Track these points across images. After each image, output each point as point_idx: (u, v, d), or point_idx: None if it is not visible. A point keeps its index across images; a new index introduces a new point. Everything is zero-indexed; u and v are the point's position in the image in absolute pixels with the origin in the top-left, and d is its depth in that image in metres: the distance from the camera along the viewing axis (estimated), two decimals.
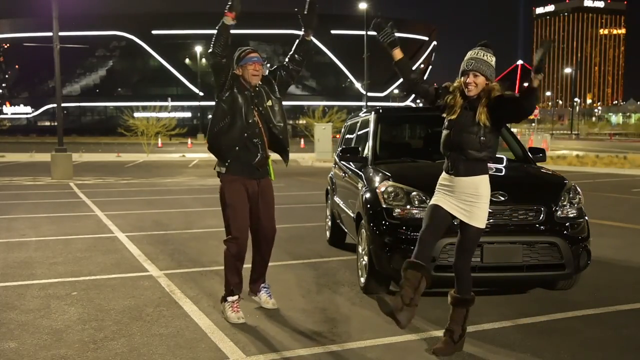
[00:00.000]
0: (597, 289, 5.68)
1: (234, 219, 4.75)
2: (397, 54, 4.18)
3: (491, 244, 4.87)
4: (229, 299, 4.78)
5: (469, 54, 3.99)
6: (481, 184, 3.99)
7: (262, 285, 5.15)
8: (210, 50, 4.68)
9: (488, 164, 4.05)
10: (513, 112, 3.95)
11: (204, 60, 70.12)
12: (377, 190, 5.33)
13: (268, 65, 5.15)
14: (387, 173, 5.53)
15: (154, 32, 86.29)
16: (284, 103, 5.03)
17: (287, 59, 5.03)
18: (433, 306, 5.09)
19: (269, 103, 4.87)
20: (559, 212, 5.10)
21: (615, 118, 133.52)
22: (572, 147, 38.85)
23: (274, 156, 5.05)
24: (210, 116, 4.91)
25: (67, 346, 4.17)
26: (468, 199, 3.98)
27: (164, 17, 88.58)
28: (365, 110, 7.52)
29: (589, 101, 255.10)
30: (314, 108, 42.90)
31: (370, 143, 6.44)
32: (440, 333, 4.41)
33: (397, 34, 4.05)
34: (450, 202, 4.02)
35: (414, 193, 5.12)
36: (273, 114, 4.86)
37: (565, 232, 5.03)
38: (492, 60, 3.98)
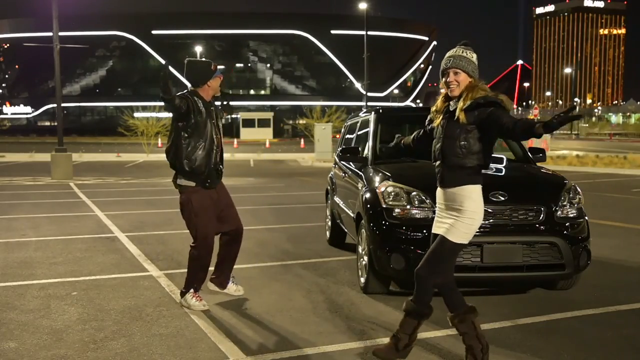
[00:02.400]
0: (597, 289, 5.68)
1: (204, 225, 5.01)
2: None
3: (491, 244, 4.87)
4: (190, 292, 5.03)
5: (448, 53, 3.74)
6: (466, 196, 3.66)
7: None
8: (172, 101, 4.74)
9: (479, 173, 3.70)
10: (501, 134, 3.66)
11: (204, 60, 70.00)
12: (377, 190, 5.33)
13: None
14: (387, 173, 5.53)
15: (154, 32, 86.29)
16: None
17: None
18: (433, 306, 5.08)
19: (221, 115, 5.22)
20: (559, 212, 5.10)
21: (615, 118, 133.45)
22: (572, 147, 38.84)
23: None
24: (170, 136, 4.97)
25: (67, 346, 4.17)
26: (452, 213, 3.69)
27: (164, 17, 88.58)
28: (365, 110, 7.51)
29: (589, 101, 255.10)
30: (312, 108, 42.89)
31: (370, 143, 6.44)
32: (440, 333, 4.42)
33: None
34: (439, 221, 3.78)
35: (414, 193, 5.12)
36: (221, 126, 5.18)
37: (565, 232, 5.03)
38: (473, 57, 3.72)
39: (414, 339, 3.88)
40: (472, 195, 3.67)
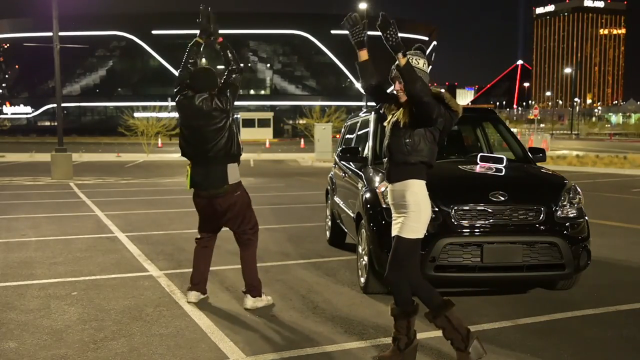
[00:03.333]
0: (597, 289, 5.69)
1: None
2: (363, 55, 3.95)
3: (491, 244, 4.87)
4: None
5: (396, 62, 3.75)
6: (409, 190, 3.78)
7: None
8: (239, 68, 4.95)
9: (423, 171, 3.82)
10: (415, 109, 3.74)
11: (204, 60, 70.12)
12: (377, 190, 5.33)
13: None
14: None
15: (154, 32, 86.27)
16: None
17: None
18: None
19: None
20: (559, 212, 5.10)
21: (615, 118, 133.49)
22: (572, 147, 38.84)
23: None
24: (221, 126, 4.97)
25: (67, 346, 4.17)
26: (400, 209, 3.80)
27: (164, 17, 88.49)
28: (365, 110, 7.52)
29: (589, 101, 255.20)
30: (312, 108, 42.89)
31: (370, 143, 6.44)
32: (440, 333, 4.41)
33: (398, 34, 3.91)
34: (393, 223, 3.87)
35: None
36: None
37: (565, 232, 5.03)
38: (421, 63, 3.79)
39: (413, 335, 3.90)
40: (413, 189, 3.80)
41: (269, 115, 71.10)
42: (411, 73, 3.61)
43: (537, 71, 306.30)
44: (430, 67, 4.09)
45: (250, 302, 5.03)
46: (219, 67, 5.09)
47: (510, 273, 4.97)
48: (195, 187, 5.02)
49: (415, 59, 3.78)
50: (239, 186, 5.04)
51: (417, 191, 3.80)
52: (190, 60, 5.09)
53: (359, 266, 5.77)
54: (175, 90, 5.05)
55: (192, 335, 4.40)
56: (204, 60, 53.80)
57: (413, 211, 3.77)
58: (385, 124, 4.04)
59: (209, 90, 4.90)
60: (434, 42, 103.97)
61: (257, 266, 5.18)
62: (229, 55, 5.05)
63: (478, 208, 4.97)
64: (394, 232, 3.84)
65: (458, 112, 3.85)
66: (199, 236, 5.28)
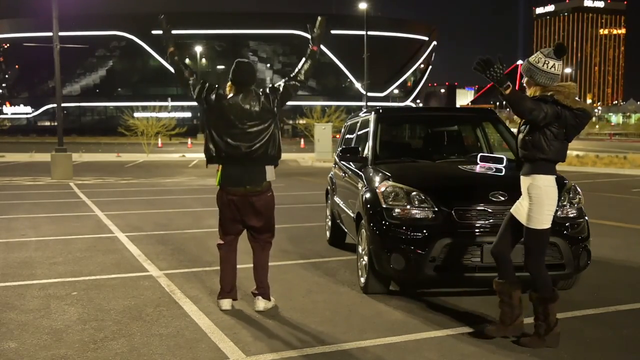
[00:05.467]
0: (597, 289, 5.68)
1: None
2: (505, 90, 4.00)
3: (491, 244, 4.86)
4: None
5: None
6: (531, 184, 4.18)
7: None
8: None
9: (545, 166, 4.19)
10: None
11: (204, 60, 70.17)
12: (377, 190, 5.33)
13: None
14: (387, 173, 5.53)
15: (154, 32, 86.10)
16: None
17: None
18: (433, 306, 5.10)
19: None
20: (559, 212, 5.10)
21: (615, 118, 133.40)
22: (572, 147, 38.59)
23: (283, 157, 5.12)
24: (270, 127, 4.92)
25: (67, 346, 4.17)
26: (525, 199, 4.23)
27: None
28: (365, 110, 7.51)
29: (589, 101, 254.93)
30: (312, 108, 42.88)
31: (370, 143, 6.44)
32: (440, 333, 4.42)
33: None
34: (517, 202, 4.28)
35: (414, 193, 5.12)
36: None
37: (565, 232, 5.03)
38: (550, 64, 4.13)
39: (554, 323, 4.16)
40: (536, 183, 4.15)
41: None
42: (513, 101, 3.97)
43: None
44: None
45: (262, 304, 5.00)
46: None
47: None
48: (230, 184, 4.88)
49: (545, 62, 4.08)
50: (270, 187, 5.02)
51: (539, 185, 4.12)
52: (185, 69, 4.99)
53: (359, 266, 5.77)
54: (196, 92, 4.89)
55: (192, 335, 4.40)
56: (204, 60, 53.68)
57: (534, 204, 4.10)
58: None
59: (251, 85, 4.85)
60: (434, 42, 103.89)
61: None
62: (306, 66, 5.01)
63: (478, 208, 4.97)
64: (515, 214, 4.22)
65: (581, 108, 4.11)
66: (221, 241, 5.10)
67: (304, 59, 5.06)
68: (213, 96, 4.84)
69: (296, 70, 5.01)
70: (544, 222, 4.12)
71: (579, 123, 4.13)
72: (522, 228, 4.18)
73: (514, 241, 4.31)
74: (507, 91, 3.94)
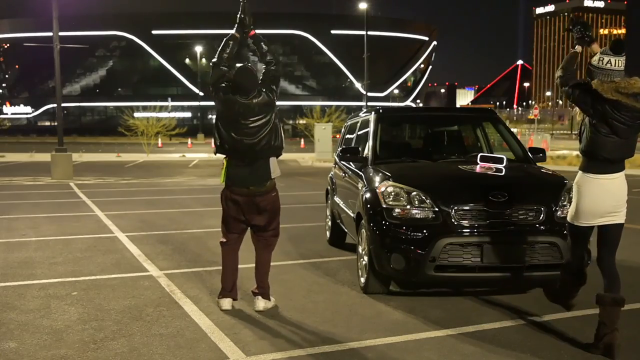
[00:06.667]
0: (597, 289, 5.67)
1: None
2: (595, 47, 4.11)
3: (491, 244, 4.87)
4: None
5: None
6: (576, 179, 4.19)
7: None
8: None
9: (588, 163, 4.07)
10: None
11: (204, 60, 70.12)
12: (377, 190, 5.33)
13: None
14: (387, 173, 5.52)
15: (154, 32, 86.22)
16: (284, 103, 5.09)
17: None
18: (433, 306, 5.10)
19: None
20: (559, 212, 5.10)
21: None
22: (572, 147, 38.78)
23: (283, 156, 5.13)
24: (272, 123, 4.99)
25: (67, 346, 4.17)
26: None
27: (164, 17, 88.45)
28: (365, 110, 7.51)
29: None
30: (312, 108, 42.89)
31: (370, 143, 6.44)
32: (440, 333, 4.42)
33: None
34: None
35: (414, 193, 5.12)
36: None
37: (565, 232, 5.02)
38: (605, 60, 4.00)
39: (609, 330, 4.16)
40: (577, 180, 4.16)
41: None
42: (565, 60, 4.16)
43: (537, 71, 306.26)
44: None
45: (262, 304, 5.00)
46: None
47: (510, 273, 4.97)
48: (234, 184, 4.89)
49: (601, 59, 3.96)
50: (275, 186, 5.03)
51: (578, 182, 4.11)
52: (224, 55, 5.08)
53: (359, 266, 5.77)
54: (212, 82, 4.96)
55: (192, 335, 4.40)
56: (203, 60, 53.65)
57: (573, 198, 4.18)
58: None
59: (254, 91, 4.86)
60: (434, 42, 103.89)
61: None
62: (263, 47, 5.09)
63: (478, 208, 4.97)
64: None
65: (617, 100, 3.82)
66: (223, 239, 5.10)
67: (256, 47, 5.22)
68: (227, 93, 4.89)
69: (261, 58, 5.15)
70: (575, 218, 4.16)
71: (624, 117, 3.85)
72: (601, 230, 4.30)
73: (604, 244, 4.38)
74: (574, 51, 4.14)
